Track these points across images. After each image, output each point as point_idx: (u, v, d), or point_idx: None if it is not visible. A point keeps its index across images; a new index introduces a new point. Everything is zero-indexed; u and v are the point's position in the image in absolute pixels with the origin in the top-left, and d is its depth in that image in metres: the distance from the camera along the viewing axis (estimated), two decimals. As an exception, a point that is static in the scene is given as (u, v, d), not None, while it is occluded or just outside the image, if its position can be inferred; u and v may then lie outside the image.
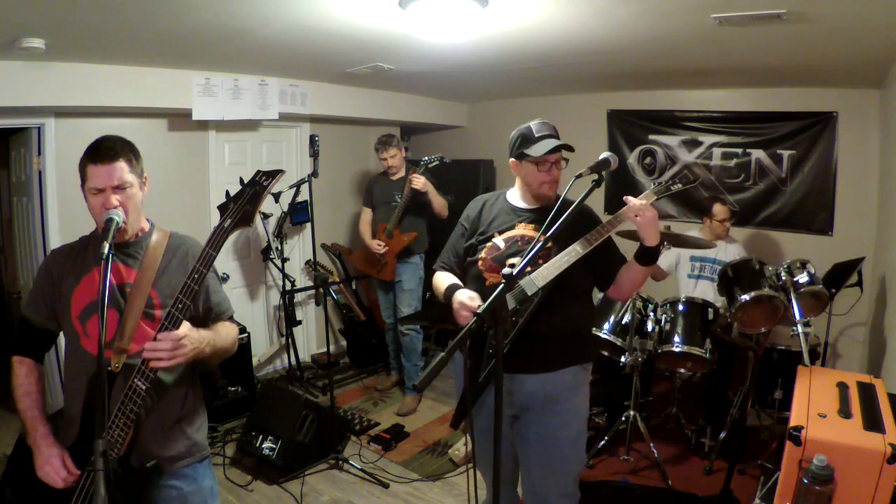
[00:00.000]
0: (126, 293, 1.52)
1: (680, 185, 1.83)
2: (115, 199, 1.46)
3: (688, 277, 3.55)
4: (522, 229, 1.89)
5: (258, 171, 1.40)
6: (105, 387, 1.21)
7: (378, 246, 3.91)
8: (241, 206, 1.38)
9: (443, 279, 1.97)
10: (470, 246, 1.97)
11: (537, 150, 1.82)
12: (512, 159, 1.94)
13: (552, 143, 1.82)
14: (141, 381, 1.39)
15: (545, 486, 1.86)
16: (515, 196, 1.99)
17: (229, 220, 1.37)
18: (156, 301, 1.53)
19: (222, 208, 1.40)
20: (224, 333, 1.60)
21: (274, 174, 1.39)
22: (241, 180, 1.51)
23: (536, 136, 1.85)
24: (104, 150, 1.47)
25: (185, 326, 1.40)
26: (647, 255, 1.75)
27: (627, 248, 1.90)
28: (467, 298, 1.74)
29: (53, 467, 1.43)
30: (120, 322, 1.50)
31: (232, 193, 1.44)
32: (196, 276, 1.39)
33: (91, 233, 1.63)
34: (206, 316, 1.62)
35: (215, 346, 1.53)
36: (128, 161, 1.50)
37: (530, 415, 1.86)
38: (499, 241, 1.89)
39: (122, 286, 1.53)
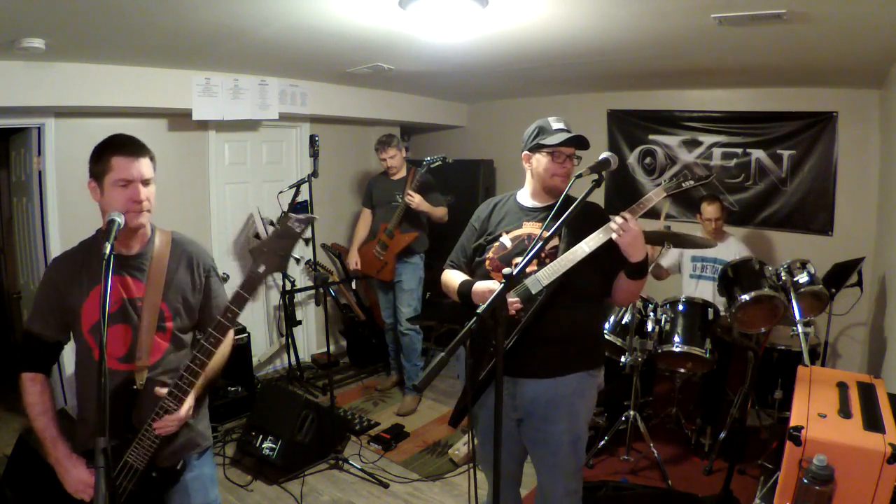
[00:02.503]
0: (137, 307, 1.52)
1: (692, 182, 1.77)
2: (144, 192, 1.47)
3: (690, 277, 3.55)
4: (530, 228, 1.88)
5: (290, 216, 1.39)
6: (106, 386, 1.21)
7: (355, 264, 4.05)
8: (273, 252, 1.39)
9: (454, 276, 1.98)
10: (478, 246, 1.97)
11: (554, 139, 1.84)
12: (525, 152, 1.94)
13: (568, 133, 1.85)
14: (173, 402, 1.44)
15: (554, 488, 1.88)
16: (525, 195, 1.99)
17: (263, 266, 1.38)
18: (167, 314, 1.55)
19: (255, 253, 1.40)
20: (219, 357, 1.60)
21: (307, 221, 1.40)
22: (272, 222, 1.53)
23: (554, 128, 1.88)
24: (133, 144, 1.48)
25: (185, 407, 1.47)
26: (635, 270, 1.73)
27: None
28: (493, 284, 1.75)
29: (85, 483, 1.46)
30: (135, 338, 1.51)
31: (243, 211, 1.46)
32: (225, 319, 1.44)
33: (92, 237, 1.60)
34: (208, 319, 1.62)
35: (210, 384, 1.62)
36: (151, 159, 1.53)
37: (534, 421, 1.84)
38: (506, 240, 1.89)
39: (133, 300, 1.52)
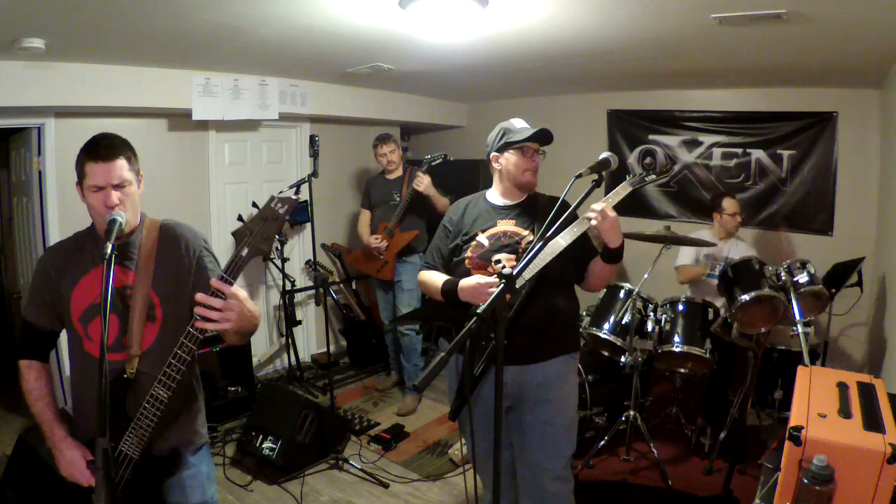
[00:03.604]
0: (126, 295, 1.52)
1: (654, 176, 1.91)
2: (115, 196, 1.46)
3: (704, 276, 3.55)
4: (504, 226, 1.98)
5: (273, 197, 1.37)
6: (107, 386, 1.21)
7: (376, 240, 3.90)
8: (257, 235, 1.35)
9: (434, 276, 2.05)
10: (455, 247, 2.04)
11: (520, 135, 1.95)
12: (493, 153, 2.04)
13: (534, 128, 1.96)
14: (163, 389, 1.42)
15: (539, 471, 1.92)
16: (495, 195, 2.09)
17: (246, 250, 1.35)
18: (155, 301, 1.54)
19: (238, 236, 1.37)
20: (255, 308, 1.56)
21: (290, 201, 1.36)
22: (255, 204, 1.49)
23: (517, 127, 2.01)
24: (104, 148, 1.46)
25: (241, 291, 1.39)
26: (612, 255, 1.83)
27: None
28: (480, 278, 1.84)
29: (79, 468, 1.46)
30: (124, 327, 1.50)
31: (242, 210, 1.42)
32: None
33: (86, 229, 1.61)
34: None
35: (253, 316, 1.48)
36: (127, 159, 1.50)
37: (524, 405, 1.93)
38: (482, 238, 1.98)
39: (121, 288, 1.52)
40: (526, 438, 1.94)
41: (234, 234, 1.39)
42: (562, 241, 1.77)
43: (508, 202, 2.04)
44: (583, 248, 1.91)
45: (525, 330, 1.84)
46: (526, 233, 1.94)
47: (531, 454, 1.94)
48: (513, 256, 1.90)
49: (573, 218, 1.72)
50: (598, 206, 1.76)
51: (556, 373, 1.92)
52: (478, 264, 1.94)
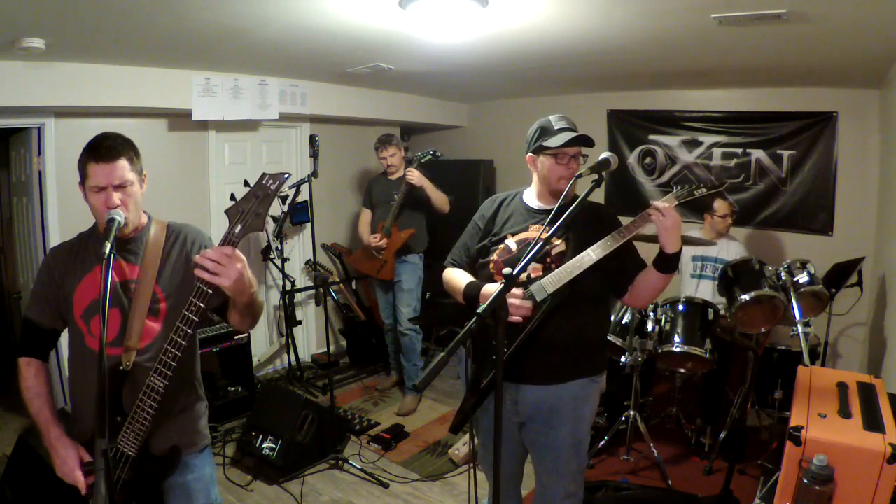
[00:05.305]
0: (130, 289, 1.52)
1: (704, 190, 1.75)
2: (116, 197, 1.46)
3: (690, 277, 3.55)
4: (535, 231, 1.84)
5: (264, 175, 1.37)
6: (107, 387, 1.21)
7: (375, 239, 3.89)
8: (249, 212, 1.35)
9: (458, 276, 1.93)
10: (483, 247, 1.93)
11: (556, 140, 1.78)
12: (529, 154, 1.89)
13: (571, 134, 1.79)
14: (159, 378, 1.41)
15: (552, 490, 1.88)
16: (531, 196, 1.94)
17: (239, 226, 1.35)
18: (160, 295, 1.54)
19: (231, 213, 1.36)
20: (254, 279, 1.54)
21: (280, 178, 1.36)
22: (247, 182, 1.49)
23: (556, 128, 1.82)
24: (105, 149, 1.46)
25: (242, 256, 1.37)
26: (667, 263, 1.69)
27: (646, 251, 1.83)
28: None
29: (70, 468, 1.46)
30: (126, 320, 1.50)
31: (238, 196, 1.41)
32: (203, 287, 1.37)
33: (90, 229, 1.62)
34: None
35: (252, 285, 1.47)
36: (129, 159, 1.50)
37: (536, 425, 1.84)
38: (511, 243, 1.85)
39: (126, 283, 1.53)
40: (538, 458, 1.89)
41: (226, 212, 1.38)
42: (592, 254, 1.65)
43: (544, 206, 1.88)
44: (623, 262, 1.76)
45: (543, 348, 1.73)
46: (558, 242, 1.78)
47: (543, 474, 1.90)
48: (539, 266, 1.76)
49: (588, 223, 1.61)
50: (660, 203, 1.63)
51: (573, 396, 1.80)
52: (502, 270, 1.80)
